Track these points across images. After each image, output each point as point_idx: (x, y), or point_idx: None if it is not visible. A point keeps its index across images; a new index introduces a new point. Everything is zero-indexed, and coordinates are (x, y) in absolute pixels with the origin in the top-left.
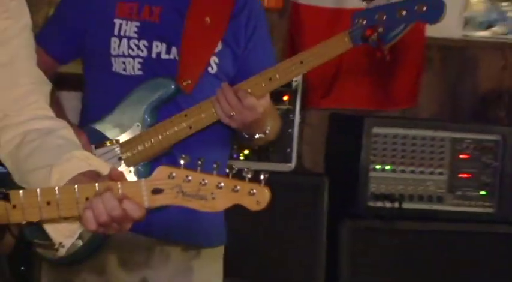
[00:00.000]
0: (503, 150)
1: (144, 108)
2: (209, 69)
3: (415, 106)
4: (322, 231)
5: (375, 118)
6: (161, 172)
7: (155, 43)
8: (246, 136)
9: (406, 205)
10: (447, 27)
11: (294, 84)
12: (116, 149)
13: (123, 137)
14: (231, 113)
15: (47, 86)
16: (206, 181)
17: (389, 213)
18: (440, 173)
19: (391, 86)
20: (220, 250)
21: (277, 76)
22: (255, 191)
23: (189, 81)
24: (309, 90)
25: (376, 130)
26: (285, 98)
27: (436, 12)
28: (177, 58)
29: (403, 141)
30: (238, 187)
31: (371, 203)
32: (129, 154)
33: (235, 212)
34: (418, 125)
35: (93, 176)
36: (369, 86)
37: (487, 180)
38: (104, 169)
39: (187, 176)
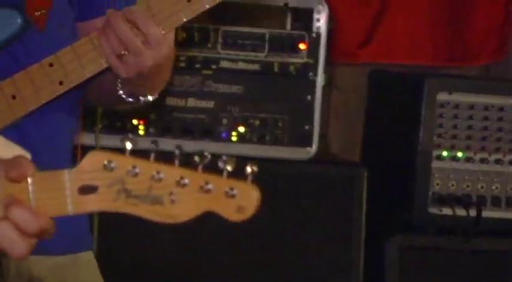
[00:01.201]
0: None
1: None
2: None
3: (503, 62)
4: (358, 248)
5: (441, 79)
6: (93, 159)
7: None
8: (128, 98)
9: (487, 213)
10: None
11: (315, 26)
12: None
13: None
14: (122, 52)
15: None
16: (162, 175)
17: (462, 225)
18: None
19: (467, 31)
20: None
21: None
22: (235, 191)
23: (42, 12)
24: (339, 35)
25: (442, 97)
26: (302, 46)
27: None
28: None
29: (483, 114)
30: (210, 185)
31: (433, 209)
32: None
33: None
34: (507, 91)
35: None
36: (430, 30)
37: None
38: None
39: (133, 167)
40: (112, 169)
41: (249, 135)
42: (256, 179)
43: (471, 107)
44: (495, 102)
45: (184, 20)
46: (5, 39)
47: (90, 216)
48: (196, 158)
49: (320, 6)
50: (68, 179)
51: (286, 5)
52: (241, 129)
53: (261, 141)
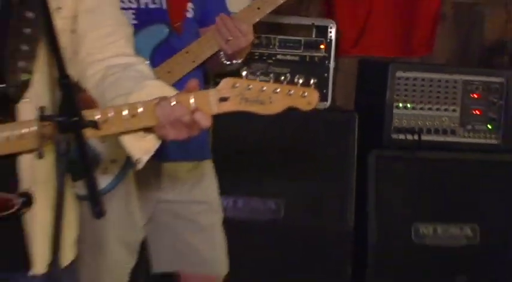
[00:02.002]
0: (507, 90)
1: (149, 53)
2: (187, 13)
3: (431, 54)
4: (352, 159)
5: (398, 63)
6: (227, 82)
7: None
8: (227, 62)
9: (424, 137)
10: None
11: (329, 35)
12: None
13: None
14: (229, 38)
15: (128, 28)
16: (264, 88)
17: (410, 144)
18: (454, 110)
19: (412, 37)
20: (209, 163)
21: (263, 6)
22: (306, 93)
23: (179, 23)
24: (341, 40)
25: (399, 74)
26: (322, 46)
27: None
28: (164, 7)
29: (421, 83)
30: (292, 91)
31: (394, 136)
32: None
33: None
34: (434, 70)
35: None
36: (392, 37)
37: (493, 116)
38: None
39: (248, 85)
40: (237, 87)
41: None
42: (292, 113)
43: (415, 79)
44: (428, 77)
45: (257, 19)
46: (159, 42)
47: None
48: (282, 77)
49: (332, 25)
50: (213, 94)
51: (313, 24)
52: None
53: None
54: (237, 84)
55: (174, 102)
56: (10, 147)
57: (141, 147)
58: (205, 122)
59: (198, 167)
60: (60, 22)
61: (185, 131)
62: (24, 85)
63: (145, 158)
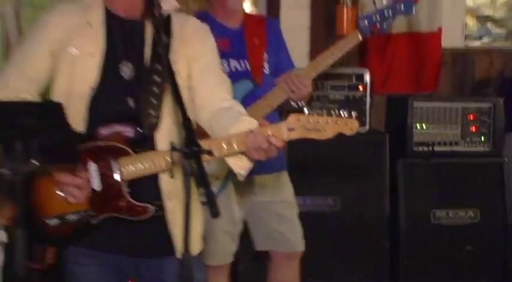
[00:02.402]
0: (494, 112)
1: (239, 100)
2: (265, 71)
3: (437, 89)
4: (386, 166)
5: (414, 96)
6: (293, 117)
7: (231, 61)
8: (294, 105)
9: (436, 148)
10: (454, 40)
11: (365, 80)
12: None
13: None
14: (294, 89)
15: (227, 81)
16: (319, 120)
17: (426, 154)
18: (456, 128)
19: (423, 78)
20: (286, 173)
21: (318, 65)
22: (349, 123)
23: (258, 80)
24: (373, 83)
25: (416, 104)
26: (360, 88)
27: (409, 8)
28: (247, 67)
29: (432, 110)
30: (339, 122)
31: (415, 148)
32: None
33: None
34: (441, 100)
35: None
36: (409, 78)
37: (485, 131)
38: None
39: (308, 119)
40: (300, 120)
41: None
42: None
43: (427, 107)
44: (436, 105)
45: (314, 76)
46: (246, 93)
47: None
48: (332, 112)
49: (366, 72)
50: (283, 126)
51: (353, 72)
52: None
53: None
54: (300, 119)
55: (257, 134)
56: (152, 169)
57: (240, 166)
58: (278, 145)
59: (278, 176)
60: (180, 82)
61: (264, 154)
62: (154, 127)
63: (244, 173)
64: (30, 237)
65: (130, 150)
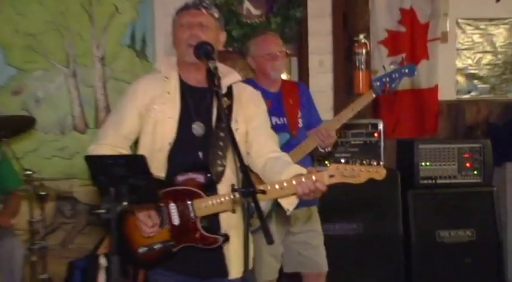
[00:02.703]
0: (484, 151)
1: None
2: (299, 125)
3: (436, 133)
4: (398, 196)
5: (419, 140)
6: (333, 166)
7: (272, 118)
8: (322, 151)
9: (438, 181)
10: (448, 94)
11: (379, 128)
12: None
13: None
14: (323, 139)
15: (275, 135)
16: (354, 169)
17: (430, 186)
18: (454, 164)
19: (425, 125)
20: (315, 207)
21: (341, 119)
22: (378, 170)
23: (294, 132)
24: (385, 130)
25: (421, 146)
26: (375, 135)
27: (411, 71)
28: (285, 122)
29: (434, 150)
30: (370, 169)
31: (421, 181)
32: None
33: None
34: (440, 142)
35: (301, 175)
36: (413, 126)
37: (477, 166)
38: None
39: (345, 168)
40: (339, 169)
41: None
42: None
43: (430, 148)
44: (437, 146)
45: (338, 127)
46: (285, 142)
47: None
48: (364, 162)
49: (379, 122)
50: (326, 173)
51: (369, 122)
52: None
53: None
54: (339, 167)
55: (306, 179)
56: (215, 209)
57: (288, 203)
58: (323, 189)
59: (309, 210)
60: (238, 137)
61: (312, 195)
62: (221, 173)
63: (291, 208)
64: (125, 261)
65: (202, 193)
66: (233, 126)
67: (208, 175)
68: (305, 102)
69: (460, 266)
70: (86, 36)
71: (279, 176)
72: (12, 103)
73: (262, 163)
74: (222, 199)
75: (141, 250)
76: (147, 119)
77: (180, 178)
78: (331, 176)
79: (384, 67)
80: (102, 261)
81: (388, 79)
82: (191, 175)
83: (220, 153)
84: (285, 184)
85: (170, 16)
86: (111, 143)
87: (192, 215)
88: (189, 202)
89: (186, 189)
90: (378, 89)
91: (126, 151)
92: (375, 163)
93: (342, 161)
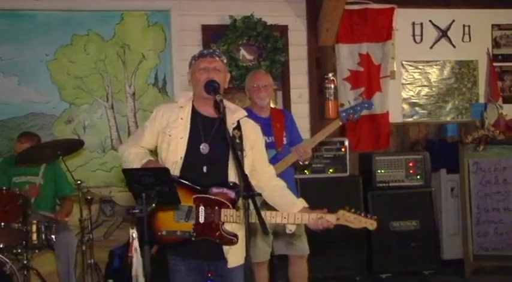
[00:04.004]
0: (424, 161)
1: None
2: (284, 142)
3: (388, 147)
4: (360, 196)
5: (375, 153)
6: (340, 212)
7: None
8: (301, 163)
9: (391, 184)
10: (396, 118)
11: (345, 144)
12: None
13: None
14: (302, 155)
15: (272, 166)
16: (354, 217)
17: (385, 188)
18: (402, 171)
19: (380, 142)
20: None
21: (315, 140)
22: (372, 223)
23: (280, 148)
24: (350, 146)
25: (377, 158)
26: (343, 150)
27: (370, 105)
28: (273, 140)
29: (387, 161)
30: (367, 221)
31: (378, 184)
32: None
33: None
34: (391, 154)
35: (307, 209)
36: (371, 142)
37: (420, 172)
38: (307, 206)
39: (349, 216)
40: (343, 215)
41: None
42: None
43: (384, 159)
44: (388, 158)
45: (313, 146)
46: (273, 156)
47: None
48: (362, 213)
49: (346, 140)
50: (334, 216)
51: (338, 140)
52: (331, 170)
53: (325, 172)
54: (345, 214)
55: (322, 219)
56: (235, 219)
57: (293, 226)
58: (331, 226)
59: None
60: (246, 161)
61: (320, 228)
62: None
63: (293, 229)
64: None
65: (230, 205)
66: (244, 152)
67: (238, 193)
68: (289, 126)
69: (408, 249)
70: (120, 77)
71: (291, 206)
72: (66, 130)
73: (270, 190)
74: (241, 213)
75: (163, 232)
76: (163, 138)
77: (215, 190)
78: (337, 219)
79: (348, 102)
80: (134, 234)
81: (352, 111)
82: (224, 190)
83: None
84: (301, 217)
85: (184, 61)
86: (132, 145)
87: (217, 218)
88: (217, 208)
89: (217, 199)
90: (344, 119)
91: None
92: (370, 216)
93: (347, 209)
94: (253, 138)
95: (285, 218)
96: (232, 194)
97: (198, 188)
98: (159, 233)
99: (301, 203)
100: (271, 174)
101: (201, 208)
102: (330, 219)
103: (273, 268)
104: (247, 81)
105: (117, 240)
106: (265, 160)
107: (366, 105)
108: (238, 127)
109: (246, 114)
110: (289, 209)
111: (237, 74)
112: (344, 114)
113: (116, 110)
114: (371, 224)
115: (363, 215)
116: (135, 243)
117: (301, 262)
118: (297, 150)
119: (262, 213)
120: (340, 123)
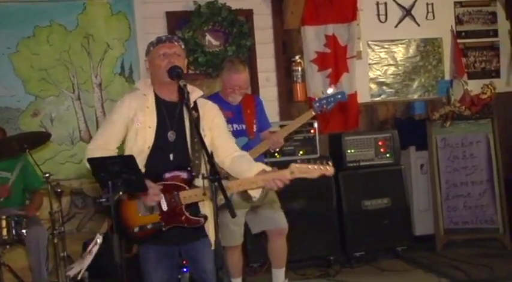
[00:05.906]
0: (392, 139)
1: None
2: (254, 130)
3: (358, 127)
4: (331, 177)
5: (345, 133)
6: (293, 166)
7: (234, 125)
8: (272, 150)
9: (361, 163)
10: (364, 98)
11: (314, 126)
12: None
13: None
14: (274, 143)
15: (233, 139)
16: (309, 167)
17: (355, 167)
18: (372, 150)
19: (349, 122)
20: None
21: (288, 129)
22: (328, 168)
23: (252, 136)
24: (319, 128)
25: (347, 137)
26: (312, 131)
27: (343, 97)
28: (244, 128)
29: (356, 140)
30: (322, 168)
31: (349, 164)
32: None
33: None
34: (360, 134)
35: (264, 171)
36: (340, 123)
37: (389, 151)
38: (269, 169)
39: (302, 168)
40: (297, 167)
41: (295, 152)
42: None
43: (354, 139)
44: (358, 137)
45: (286, 135)
46: (244, 144)
47: None
48: (318, 162)
49: (315, 122)
50: (287, 171)
51: (308, 123)
52: (301, 152)
53: (295, 154)
54: (298, 166)
55: (274, 177)
56: (195, 198)
57: (255, 192)
58: (286, 182)
59: (267, 193)
60: (207, 142)
61: (276, 188)
62: (198, 169)
63: (257, 196)
64: (123, 239)
65: (186, 186)
66: (202, 133)
67: (191, 173)
68: (259, 111)
69: (380, 226)
70: (86, 68)
71: (247, 172)
72: (32, 123)
73: (229, 161)
74: (199, 191)
75: (136, 229)
76: (130, 127)
77: (168, 175)
78: (292, 173)
79: (322, 92)
80: (99, 239)
81: (325, 101)
82: (177, 172)
83: (196, 154)
84: (256, 180)
85: None
86: (102, 146)
87: (178, 203)
88: (175, 193)
89: (173, 183)
90: (318, 109)
91: (113, 152)
92: (326, 163)
93: (299, 162)
94: (211, 118)
95: (240, 185)
96: (184, 175)
97: (150, 177)
98: (133, 231)
99: (257, 166)
100: (231, 147)
101: (161, 196)
102: (284, 174)
103: (247, 252)
104: (224, 76)
105: (91, 232)
106: (226, 137)
107: (340, 96)
108: (195, 107)
109: (202, 93)
110: (246, 175)
111: (203, 60)
112: (318, 105)
113: (83, 101)
114: (327, 170)
115: (317, 163)
116: (94, 249)
117: (281, 238)
118: (269, 140)
119: (224, 182)
120: (313, 114)
